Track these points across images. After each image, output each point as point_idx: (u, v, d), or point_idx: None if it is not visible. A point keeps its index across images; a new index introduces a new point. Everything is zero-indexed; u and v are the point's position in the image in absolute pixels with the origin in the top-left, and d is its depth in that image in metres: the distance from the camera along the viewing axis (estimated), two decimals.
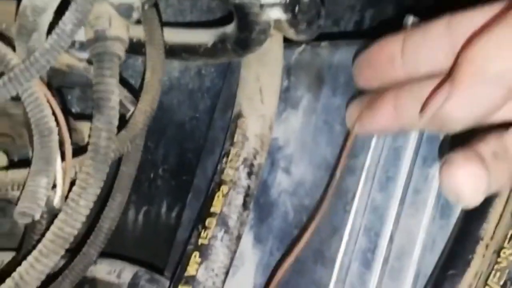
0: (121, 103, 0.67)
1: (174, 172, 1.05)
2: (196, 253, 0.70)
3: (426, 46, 0.51)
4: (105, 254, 0.91)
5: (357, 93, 0.67)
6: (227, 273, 0.71)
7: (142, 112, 0.66)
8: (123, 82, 0.71)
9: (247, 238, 0.79)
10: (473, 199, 0.44)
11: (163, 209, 1.06)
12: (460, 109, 0.44)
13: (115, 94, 0.60)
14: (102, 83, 0.60)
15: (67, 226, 0.58)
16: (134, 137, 0.65)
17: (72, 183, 0.60)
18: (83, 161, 0.59)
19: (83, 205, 0.58)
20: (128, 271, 0.84)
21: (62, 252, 0.59)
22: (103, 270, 0.85)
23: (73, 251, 0.75)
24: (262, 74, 0.79)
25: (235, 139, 0.76)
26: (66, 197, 0.60)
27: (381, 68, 0.56)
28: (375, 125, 0.59)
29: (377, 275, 0.67)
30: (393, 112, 0.55)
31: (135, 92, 0.72)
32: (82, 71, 0.69)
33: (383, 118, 0.56)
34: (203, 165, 0.94)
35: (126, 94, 0.69)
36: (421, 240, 0.67)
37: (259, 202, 0.79)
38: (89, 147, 0.60)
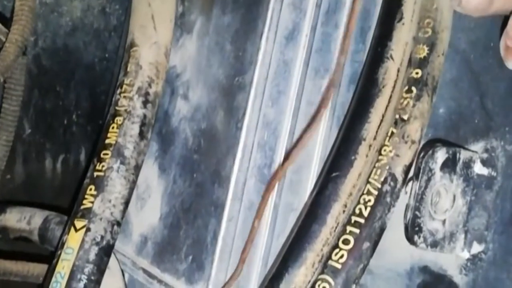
0: None
1: (88, 117, 1.02)
2: (92, 186, 0.69)
3: None
4: (22, 203, 0.89)
5: None
6: (126, 203, 0.70)
7: (13, 42, 0.64)
8: None
9: (153, 170, 0.78)
10: None
11: (82, 156, 1.04)
12: None
13: None
14: None
15: None
16: (6, 68, 0.62)
17: None
18: None
19: None
20: (38, 217, 0.82)
21: None
22: (13, 218, 0.83)
23: None
24: (153, 0, 0.77)
25: (128, 69, 0.74)
26: None
27: None
28: None
29: (275, 190, 0.67)
30: None
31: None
32: None
33: None
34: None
35: None
36: (319, 152, 0.67)
37: (161, 132, 0.78)
38: None
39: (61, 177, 1.03)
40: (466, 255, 0.57)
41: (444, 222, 0.57)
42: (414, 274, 0.60)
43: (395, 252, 0.62)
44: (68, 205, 0.96)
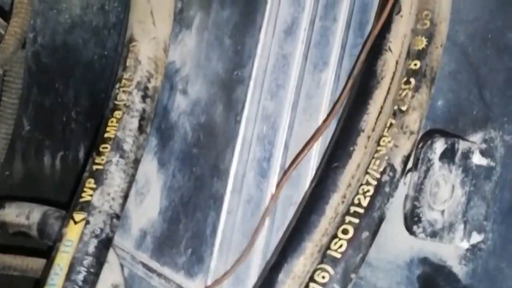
0: None
1: (87, 114, 1.02)
2: (91, 179, 0.69)
3: None
4: (20, 200, 0.89)
5: None
6: (125, 197, 0.70)
7: (12, 34, 0.64)
8: None
9: (152, 165, 0.78)
10: None
11: (81, 153, 1.03)
12: None
13: None
14: None
15: None
16: (6, 61, 0.62)
17: None
18: None
19: None
20: (37, 212, 0.82)
21: None
22: (12, 213, 0.83)
23: None
24: None
25: (127, 64, 0.74)
26: None
27: None
28: None
29: (274, 183, 0.67)
30: None
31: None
32: None
33: None
34: None
35: None
36: (317, 146, 0.67)
37: (160, 128, 0.78)
38: None
39: (60, 174, 1.03)
40: (465, 245, 0.57)
41: (443, 212, 0.57)
42: (413, 265, 0.60)
43: (395, 244, 0.62)
44: (67, 201, 0.96)
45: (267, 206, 0.64)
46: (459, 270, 0.57)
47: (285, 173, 0.64)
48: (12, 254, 0.82)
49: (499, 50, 0.57)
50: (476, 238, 0.56)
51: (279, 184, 0.64)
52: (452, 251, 0.58)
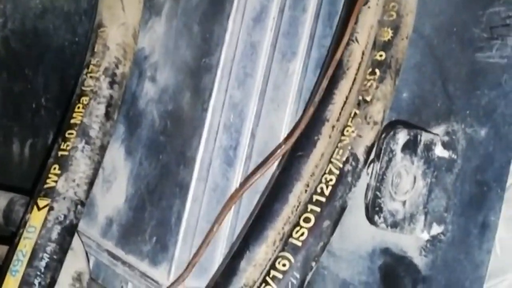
0: None
1: (57, 101, 1.01)
2: (56, 165, 0.68)
3: None
4: None
5: None
6: (91, 183, 0.69)
7: None
8: None
9: (119, 153, 0.77)
10: None
11: (50, 140, 1.02)
12: None
13: None
14: None
15: None
16: None
17: None
18: None
19: None
20: (3, 198, 0.81)
21: None
22: None
23: None
24: None
25: (95, 49, 0.74)
26: None
27: None
28: None
29: (241, 172, 0.67)
30: None
31: None
32: None
33: None
34: None
35: None
36: (284, 135, 0.67)
37: (128, 115, 0.78)
38: None
39: (28, 161, 1.02)
40: (425, 236, 0.57)
41: (404, 203, 0.57)
42: (375, 256, 0.61)
43: (358, 235, 0.62)
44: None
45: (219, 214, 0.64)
46: (419, 261, 0.57)
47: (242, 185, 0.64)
48: None
49: (463, 44, 0.58)
50: (436, 229, 0.57)
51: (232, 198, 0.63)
52: (412, 242, 0.58)
